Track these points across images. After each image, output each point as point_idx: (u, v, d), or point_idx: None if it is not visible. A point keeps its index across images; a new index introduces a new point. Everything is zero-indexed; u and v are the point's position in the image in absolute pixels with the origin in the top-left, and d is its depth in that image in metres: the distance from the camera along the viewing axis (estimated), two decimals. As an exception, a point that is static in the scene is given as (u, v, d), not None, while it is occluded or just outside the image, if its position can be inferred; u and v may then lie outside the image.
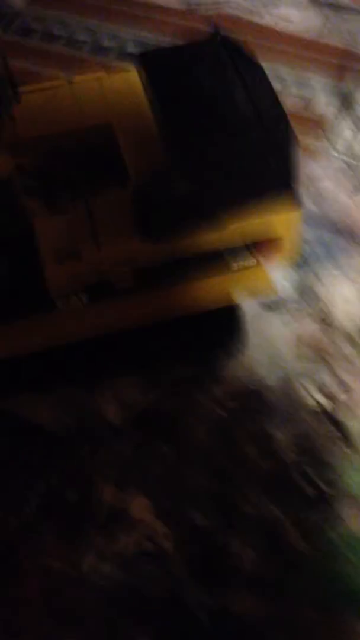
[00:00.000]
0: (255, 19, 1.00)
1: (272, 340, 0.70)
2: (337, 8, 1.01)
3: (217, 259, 0.60)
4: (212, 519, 0.60)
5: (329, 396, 0.67)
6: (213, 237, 0.57)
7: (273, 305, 0.72)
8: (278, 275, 0.66)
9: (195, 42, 0.62)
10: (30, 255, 0.52)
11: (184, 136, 0.54)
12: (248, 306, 0.70)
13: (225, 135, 0.53)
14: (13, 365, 0.59)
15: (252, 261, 0.61)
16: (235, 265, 0.61)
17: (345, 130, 0.87)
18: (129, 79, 0.62)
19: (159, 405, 0.66)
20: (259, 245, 0.59)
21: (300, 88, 0.91)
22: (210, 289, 0.62)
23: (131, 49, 0.93)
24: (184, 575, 0.57)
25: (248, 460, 0.63)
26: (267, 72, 0.61)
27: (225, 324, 0.68)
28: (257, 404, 0.66)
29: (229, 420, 0.65)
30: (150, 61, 0.62)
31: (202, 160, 0.53)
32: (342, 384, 0.66)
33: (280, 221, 0.57)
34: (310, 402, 0.67)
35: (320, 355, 0.69)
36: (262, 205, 0.55)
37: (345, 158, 0.85)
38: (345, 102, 0.90)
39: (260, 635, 0.54)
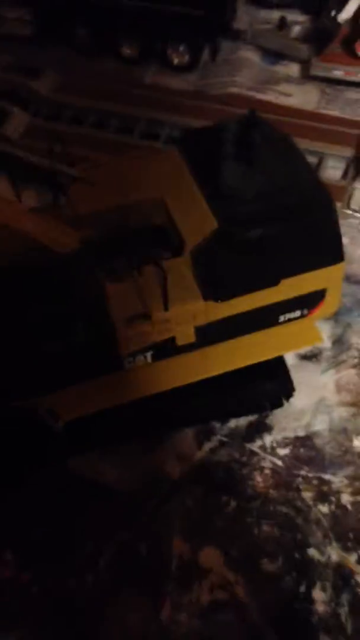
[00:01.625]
0: (258, 96, 1.09)
1: (313, 388, 0.74)
2: (332, 81, 1.11)
3: (267, 313, 0.64)
4: (280, 564, 0.62)
5: (375, 437, 0.71)
6: (267, 294, 0.62)
7: (310, 355, 0.77)
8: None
9: (228, 121, 0.68)
10: (103, 320, 0.56)
11: (230, 204, 0.60)
12: (288, 357, 0.74)
13: (269, 201, 0.59)
14: (76, 426, 0.62)
15: (298, 313, 0.65)
16: (282, 318, 0.66)
17: (356, 191, 0.94)
18: (172, 157, 0.68)
19: (215, 457, 0.70)
20: (305, 298, 0.64)
21: (307, 154, 0.99)
22: (261, 341, 0.66)
23: (152, 128, 1.00)
24: (259, 621, 0.59)
25: (306, 505, 0.66)
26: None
27: (272, 375, 0.72)
28: (308, 450, 0.70)
29: (283, 467, 0.69)
30: (189, 139, 0.68)
31: (252, 224, 0.58)
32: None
33: (326, 274, 0.62)
34: (358, 443, 0.70)
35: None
36: (311, 263, 0.60)
37: (358, 216, 0.92)
38: (353, 165, 0.97)
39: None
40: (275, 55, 1.14)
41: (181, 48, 1.08)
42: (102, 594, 0.59)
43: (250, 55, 1.13)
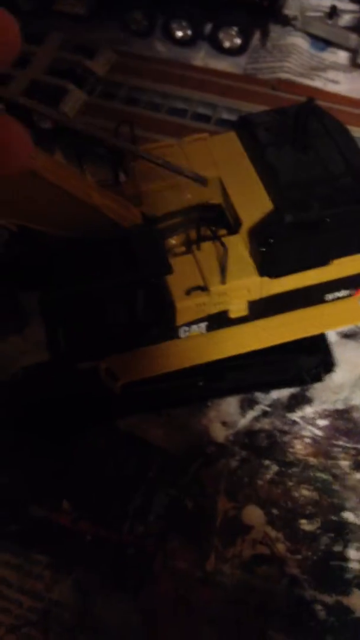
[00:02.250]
0: (307, 82, 1.11)
1: (353, 365, 0.78)
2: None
3: (315, 291, 0.68)
4: (318, 525, 0.67)
5: None
6: (317, 273, 0.66)
7: (351, 334, 0.81)
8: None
9: (287, 107, 0.72)
10: (163, 291, 0.61)
11: (287, 186, 0.63)
12: (330, 335, 0.79)
13: (326, 187, 0.62)
14: (131, 389, 0.66)
15: (345, 292, 0.69)
16: (329, 296, 0.70)
17: None
18: (230, 139, 0.71)
19: (258, 424, 0.74)
20: (352, 279, 0.68)
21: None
22: (307, 317, 0.70)
23: (202, 110, 1.04)
24: (298, 574, 0.64)
25: (344, 472, 0.70)
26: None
27: (314, 350, 0.76)
28: (346, 422, 0.74)
29: (322, 437, 0.73)
30: (248, 123, 0.71)
31: (307, 207, 0.62)
32: None
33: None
34: (393, 418, 0.74)
35: None
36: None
37: None
38: None
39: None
40: (324, 43, 1.16)
41: (233, 32, 1.11)
42: (152, 542, 0.64)
43: (299, 41, 1.15)
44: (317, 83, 1.11)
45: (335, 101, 1.04)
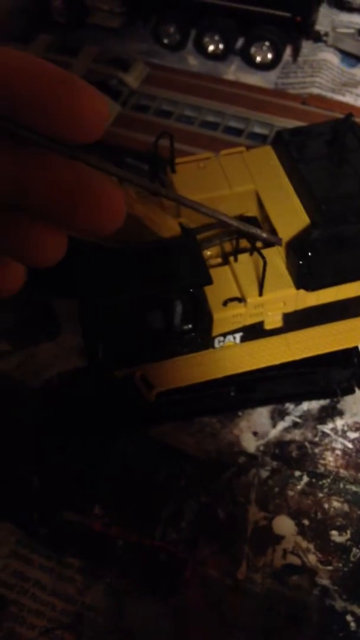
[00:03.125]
0: (337, 97, 1.13)
1: (384, 378, 0.78)
2: None
3: (351, 305, 0.69)
4: (348, 537, 0.67)
5: None
6: (353, 287, 0.67)
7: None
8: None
9: (324, 122, 0.73)
10: (201, 301, 0.62)
11: (324, 201, 0.64)
12: (360, 348, 0.79)
13: None
14: (165, 398, 0.67)
15: (379, 307, 0.70)
16: (365, 310, 0.70)
17: None
18: (266, 153, 0.73)
19: (288, 435, 0.75)
20: (387, 293, 0.68)
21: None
22: (342, 330, 0.71)
23: (234, 123, 1.05)
24: (329, 585, 0.64)
25: (374, 485, 0.70)
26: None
27: (345, 363, 0.76)
28: (376, 435, 0.74)
29: (353, 450, 0.73)
30: (284, 137, 0.72)
31: (344, 221, 0.63)
32: None
33: None
34: None
35: None
36: None
37: None
38: None
39: None
40: (355, 59, 1.17)
41: (264, 47, 1.12)
42: (184, 549, 0.65)
43: (330, 57, 1.16)
44: (348, 99, 1.12)
45: (366, 116, 1.05)
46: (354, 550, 0.66)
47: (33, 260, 0.35)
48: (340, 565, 0.65)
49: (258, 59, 1.14)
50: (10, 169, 0.31)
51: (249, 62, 1.16)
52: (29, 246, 0.34)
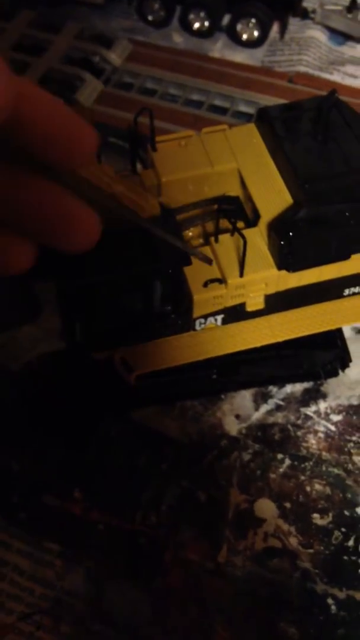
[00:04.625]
0: (325, 75, 1.11)
1: (368, 360, 0.78)
2: None
3: (333, 286, 0.68)
4: (330, 519, 0.67)
5: None
6: (335, 268, 0.66)
7: (365, 330, 0.81)
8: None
9: (308, 99, 0.71)
10: (180, 283, 0.60)
11: (307, 180, 0.62)
12: (345, 330, 0.78)
13: (347, 181, 0.61)
14: (146, 381, 0.66)
15: (361, 288, 0.69)
16: (347, 291, 0.69)
17: None
18: (249, 131, 0.71)
19: (271, 418, 0.74)
20: (369, 274, 0.67)
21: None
22: (324, 312, 0.70)
23: (219, 102, 1.03)
24: (310, 568, 0.64)
25: (357, 468, 0.70)
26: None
27: (329, 345, 0.75)
28: (360, 417, 0.74)
29: (336, 432, 0.73)
30: (267, 115, 0.71)
31: (327, 201, 0.61)
32: None
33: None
34: None
35: None
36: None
37: None
38: None
39: (386, 619, 0.60)
40: (343, 36, 1.15)
41: (251, 24, 1.10)
42: (164, 533, 0.64)
43: (318, 34, 1.14)
44: (335, 77, 1.10)
45: (352, 95, 1.04)
46: (336, 533, 0.65)
47: (5, 266, 0.38)
48: (322, 548, 0.64)
49: (244, 36, 1.12)
50: (3, 185, 0.33)
51: (235, 39, 1.14)
52: (2, 253, 0.37)
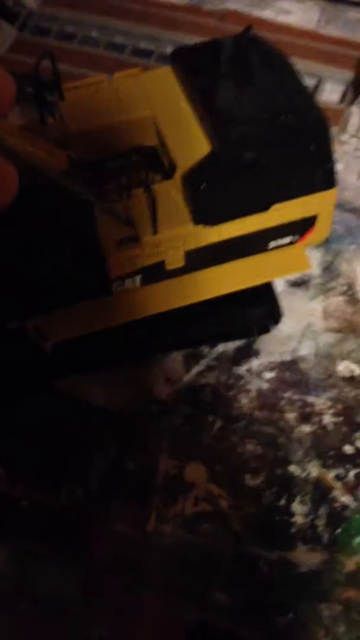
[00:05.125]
0: (256, 12, 1.05)
1: (301, 314, 0.75)
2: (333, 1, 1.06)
3: (257, 239, 0.65)
4: (262, 479, 0.65)
5: (358, 362, 0.72)
6: (257, 220, 0.62)
7: (299, 282, 0.78)
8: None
9: (224, 38, 0.66)
10: (92, 243, 0.56)
11: (224, 126, 0.58)
12: (277, 284, 0.75)
13: (264, 123, 0.57)
14: (66, 348, 0.63)
15: (288, 239, 0.66)
16: (272, 244, 0.66)
17: (353, 115, 0.93)
18: (165, 75, 0.66)
19: (202, 380, 0.71)
20: (295, 224, 0.64)
21: (306, 76, 0.96)
22: (250, 267, 0.66)
23: (143, 45, 0.97)
24: (241, 531, 0.62)
25: (289, 425, 0.68)
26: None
27: (260, 301, 0.73)
28: (293, 373, 0.72)
29: (269, 390, 0.70)
30: (183, 57, 0.66)
31: (245, 148, 0.57)
32: (369, 351, 0.72)
33: (318, 200, 0.62)
34: (341, 368, 0.72)
35: (347, 325, 0.75)
36: (303, 188, 0.60)
37: (354, 142, 0.90)
38: (352, 88, 0.95)
39: (317, 577, 0.59)
40: (275, -31, 1.08)
41: None
42: (91, 506, 0.62)
43: (249, -32, 1.07)
44: (268, 14, 1.04)
45: (285, 33, 0.98)
46: (267, 493, 0.64)
47: None
48: (253, 509, 0.63)
49: (170, -29, 1.04)
50: None
51: (161, -25, 1.06)
52: None
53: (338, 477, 0.65)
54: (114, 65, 0.92)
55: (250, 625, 0.58)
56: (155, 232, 0.59)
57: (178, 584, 0.60)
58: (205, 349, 0.73)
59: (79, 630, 0.57)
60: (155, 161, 0.65)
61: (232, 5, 1.04)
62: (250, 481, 0.65)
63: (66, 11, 0.98)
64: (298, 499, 0.64)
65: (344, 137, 0.91)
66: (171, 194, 0.61)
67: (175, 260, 0.63)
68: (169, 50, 0.95)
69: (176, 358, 0.73)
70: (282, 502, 0.63)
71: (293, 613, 0.58)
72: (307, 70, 0.96)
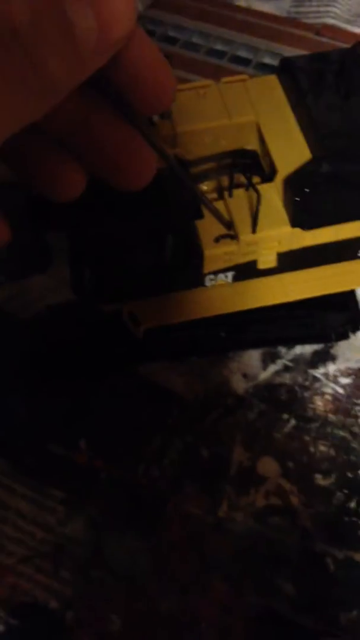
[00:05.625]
0: (352, 29, 1.06)
1: (380, 324, 0.76)
2: None
3: (348, 246, 0.66)
4: (332, 480, 0.67)
5: None
6: (351, 228, 0.64)
7: (380, 293, 0.79)
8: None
9: (332, 51, 0.68)
10: (193, 237, 0.59)
11: (326, 136, 0.60)
12: (359, 292, 0.77)
13: None
14: (155, 335, 0.66)
15: (378, 250, 0.67)
16: (361, 253, 0.68)
17: None
18: (270, 83, 0.68)
19: (279, 378, 0.73)
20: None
21: None
22: (338, 273, 0.68)
23: (242, 53, 1.00)
24: (310, 527, 0.64)
25: (362, 431, 0.70)
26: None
27: (341, 307, 0.74)
28: (369, 381, 0.73)
29: (343, 395, 0.72)
30: (290, 66, 0.68)
31: (346, 159, 0.59)
32: None
33: None
34: None
35: None
36: None
37: None
38: None
39: (383, 580, 0.61)
40: (375, -13, 1.10)
41: (279, -28, 1.05)
42: (166, 486, 0.65)
43: (349, -16, 1.09)
44: (364, 30, 1.06)
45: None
46: (337, 494, 0.65)
47: (54, 192, 0.39)
48: (323, 508, 0.64)
49: (272, -16, 1.07)
50: (80, 113, 0.33)
51: (263, -13, 1.09)
52: (55, 179, 0.38)
53: None
54: (213, 70, 0.95)
55: (314, 617, 0.59)
56: (254, 231, 0.61)
57: (244, 571, 0.62)
58: (282, 350, 0.75)
59: (149, 602, 0.60)
60: (255, 164, 0.68)
61: (329, 21, 1.06)
62: (321, 481, 0.67)
63: (170, 16, 1.02)
64: (366, 502, 0.65)
65: None
66: (271, 196, 0.63)
67: (268, 260, 0.65)
68: (267, 59, 0.98)
69: (253, 356, 0.75)
70: (352, 504, 0.65)
71: (357, 610, 0.60)
72: None
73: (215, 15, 1.04)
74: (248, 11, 1.07)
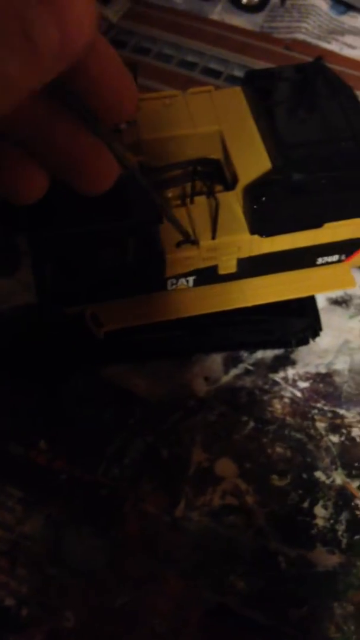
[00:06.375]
0: (322, 44, 1.09)
1: (340, 331, 0.79)
2: None
3: (306, 254, 0.69)
4: (288, 481, 0.68)
5: (391, 382, 0.75)
6: (309, 236, 0.66)
7: (340, 300, 0.81)
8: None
9: (295, 65, 0.71)
10: (155, 242, 0.61)
11: (286, 146, 0.62)
12: (319, 300, 0.79)
13: (327, 150, 0.61)
14: (116, 337, 0.67)
15: (336, 257, 0.69)
16: (320, 260, 0.70)
17: None
18: (235, 94, 0.71)
19: (239, 382, 0.75)
20: (344, 244, 0.68)
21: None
22: (297, 280, 0.70)
23: (213, 65, 1.02)
24: (264, 526, 0.65)
25: (319, 434, 0.71)
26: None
27: (301, 313, 0.76)
28: (326, 385, 0.75)
29: (301, 399, 0.74)
30: (254, 79, 0.70)
31: (305, 169, 0.61)
32: None
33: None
34: (374, 386, 0.75)
35: (383, 346, 0.78)
36: (356, 211, 0.64)
37: None
38: None
39: (333, 578, 0.62)
40: (345, 6, 1.13)
41: (252, -13, 1.08)
42: (125, 485, 0.66)
43: (319, 2, 1.13)
44: (333, 46, 1.09)
45: (349, 66, 1.03)
46: (292, 494, 0.67)
47: (17, 194, 0.39)
48: (277, 508, 0.66)
49: (245, 0, 1.10)
50: (43, 119, 0.34)
51: (236, 3, 1.12)
52: (17, 181, 0.38)
53: (361, 487, 0.68)
54: (185, 81, 0.97)
55: (266, 613, 0.61)
56: (213, 237, 0.63)
57: (199, 568, 0.63)
58: (244, 354, 0.77)
59: (104, 597, 0.61)
60: (218, 173, 0.70)
61: (300, 36, 1.09)
62: (277, 481, 0.68)
63: (143, 27, 1.04)
64: (321, 503, 0.67)
65: None
66: (231, 204, 0.65)
67: (228, 266, 0.67)
68: (237, 72, 1.00)
69: (216, 360, 0.77)
70: (306, 504, 0.67)
71: (307, 607, 0.61)
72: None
73: (188, 28, 1.07)
74: (220, 24, 1.10)
